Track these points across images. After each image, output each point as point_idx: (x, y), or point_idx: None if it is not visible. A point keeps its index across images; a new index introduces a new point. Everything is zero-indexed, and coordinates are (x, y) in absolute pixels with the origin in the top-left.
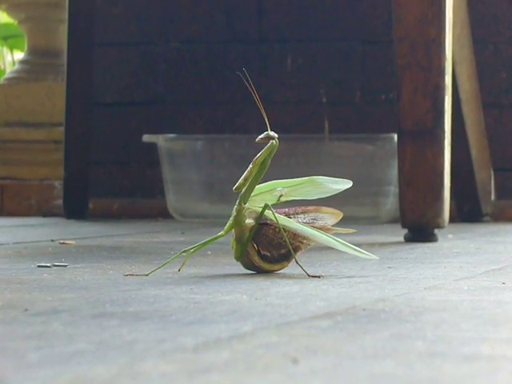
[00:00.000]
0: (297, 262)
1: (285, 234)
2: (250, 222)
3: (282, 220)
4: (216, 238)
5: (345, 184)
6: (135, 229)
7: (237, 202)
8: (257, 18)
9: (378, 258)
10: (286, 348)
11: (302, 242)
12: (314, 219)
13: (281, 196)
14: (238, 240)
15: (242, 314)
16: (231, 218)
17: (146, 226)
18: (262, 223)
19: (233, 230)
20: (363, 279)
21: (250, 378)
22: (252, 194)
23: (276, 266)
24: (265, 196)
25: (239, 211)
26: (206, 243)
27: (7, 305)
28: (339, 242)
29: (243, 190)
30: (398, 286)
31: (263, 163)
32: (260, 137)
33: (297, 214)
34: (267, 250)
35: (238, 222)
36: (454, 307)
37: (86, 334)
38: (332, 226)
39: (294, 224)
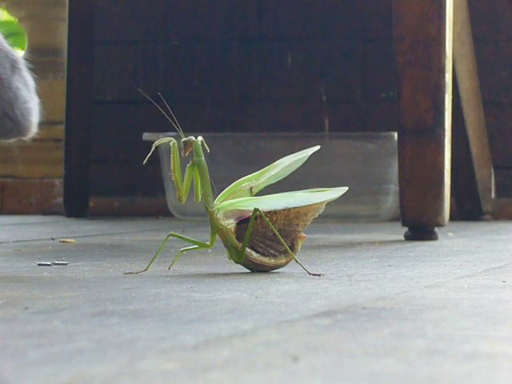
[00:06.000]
0: (296, 261)
1: (276, 231)
2: (229, 222)
3: (263, 204)
4: (204, 246)
5: (313, 148)
6: (135, 227)
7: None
8: (257, 16)
9: (346, 188)
10: (286, 346)
11: (297, 225)
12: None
13: (251, 188)
14: (225, 245)
15: (242, 312)
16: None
17: (147, 224)
18: (241, 220)
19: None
20: (363, 277)
21: (251, 376)
22: (222, 199)
23: (282, 259)
24: (235, 195)
25: (210, 217)
26: (195, 247)
27: (7, 303)
28: (315, 192)
29: (200, 198)
30: (398, 285)
31: (198, 165)
32: (183, 151)
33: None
34: (264, 245)
35: (216, 228)
36: (454, 305)
37: (87, 332)
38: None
39: (275, 202)
